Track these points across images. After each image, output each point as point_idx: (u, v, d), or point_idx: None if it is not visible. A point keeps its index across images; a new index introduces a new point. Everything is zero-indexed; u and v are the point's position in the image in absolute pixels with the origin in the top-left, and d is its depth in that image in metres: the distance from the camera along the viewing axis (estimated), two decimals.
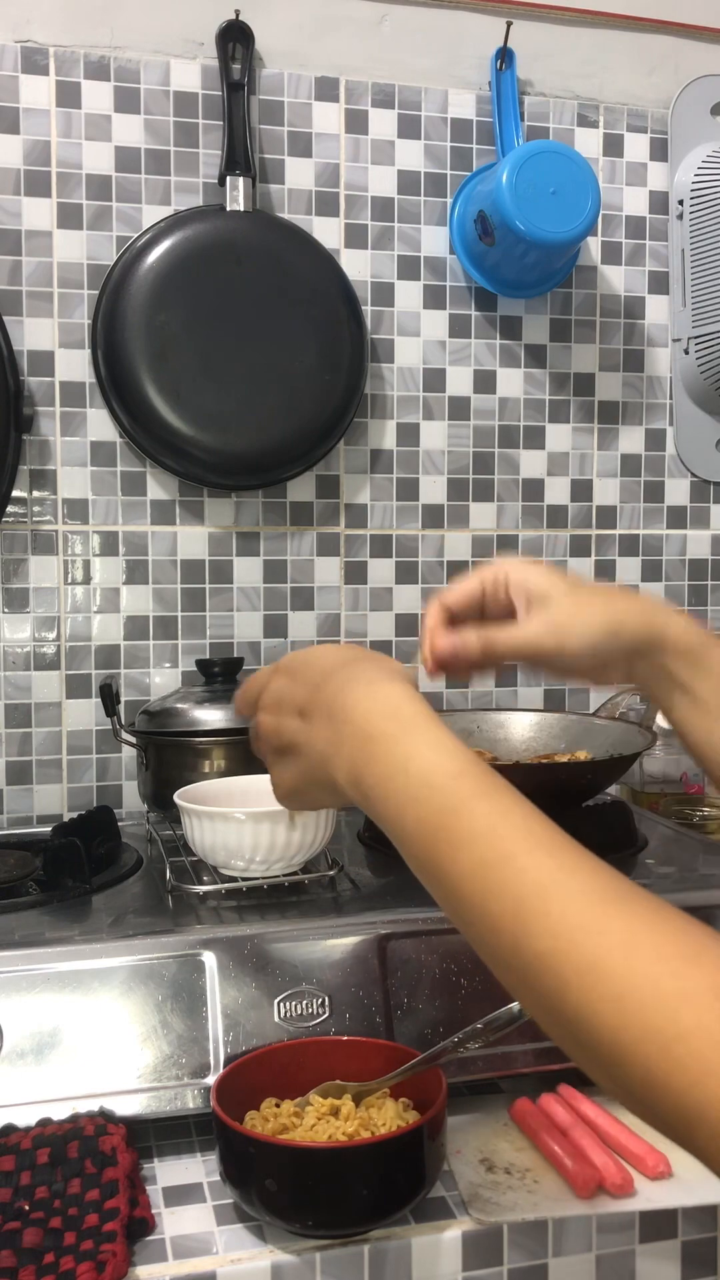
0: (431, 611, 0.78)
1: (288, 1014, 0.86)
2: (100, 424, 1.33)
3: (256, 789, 1.06)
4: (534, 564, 0.77)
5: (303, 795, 0.71)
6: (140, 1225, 0.73)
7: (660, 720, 1.36)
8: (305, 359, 1.33)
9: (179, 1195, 0.79)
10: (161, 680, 1.36)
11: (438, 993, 0.89)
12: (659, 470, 1.52)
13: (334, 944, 0.89)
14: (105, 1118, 0.80)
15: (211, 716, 1.17)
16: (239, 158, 1.32)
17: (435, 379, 1.43)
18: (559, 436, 1.48)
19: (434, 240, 1.42)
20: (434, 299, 1.42)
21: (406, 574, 1.44)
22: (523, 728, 1.30)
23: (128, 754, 1.33)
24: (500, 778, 0.58)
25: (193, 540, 1.37)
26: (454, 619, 0.78)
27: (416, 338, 1.42)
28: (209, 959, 0.87)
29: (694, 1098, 0.45)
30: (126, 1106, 0.82)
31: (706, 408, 1.52)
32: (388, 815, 0.60)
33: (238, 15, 1.32)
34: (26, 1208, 0.72)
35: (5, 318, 1.27)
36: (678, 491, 1.53)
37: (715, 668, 0.73)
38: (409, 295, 1.41)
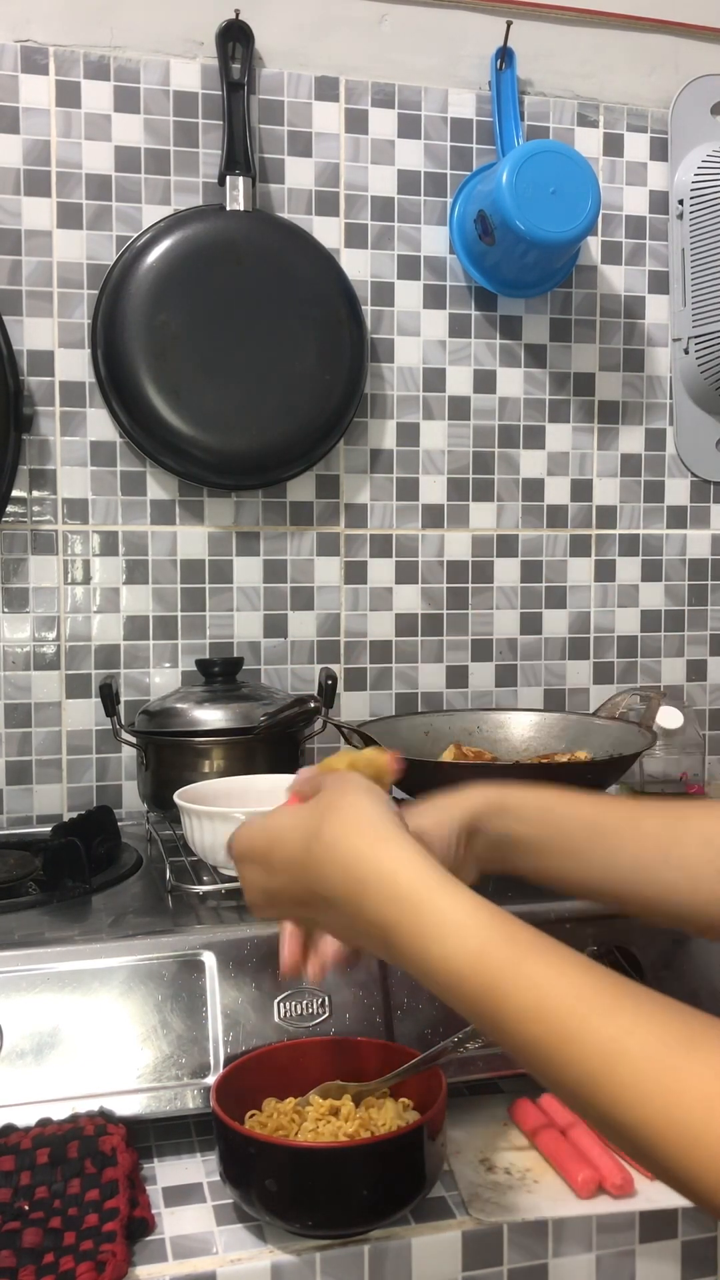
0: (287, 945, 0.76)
1: (288, 1014, 0.86)
2: (100, 424, 1.33)
3: (256, 789, 1.06)
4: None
5: None
6: (140, 1225, 0.73)
7: (660, 720, 1.37)
8: (305, 359, 1.33)
9: (179, 1195, 0.79)
10: (161, 680, 1.36)
11: None
12: (659, 470, 1.52)
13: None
14: (105, 1118, 0.80)
15: (211, 716, 1.17)
16: (239, 157, 1.32)
17: (435, 379, 1.43)
18: (559, 436, 1.48)
19: (434, 240, 1.42)
20: (434, 299, 1.42)
21: (406, 574, 1.44)
22: (523, 728, 1.30)
23: (128, 754, 1.33)
24: (525, 932, 0.57)
25: (193, 540, 1.37)
26: None
27: (416, 337, 1.42)
28: (209, 959, 0.87)
29: None
30: (126, 1106, 0.82)
31: (706, 408, 1.52)
32: (440, 996, 0.59)
33: (238, 15, 1.32)
34: (26, 1208, 0.72)
35: (5, 318, 1.27)
36: (678, 491, 1.53)
37: (520, 807, 0.76)
38: (409, 295, 1.41)
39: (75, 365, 1.32)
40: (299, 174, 1.37)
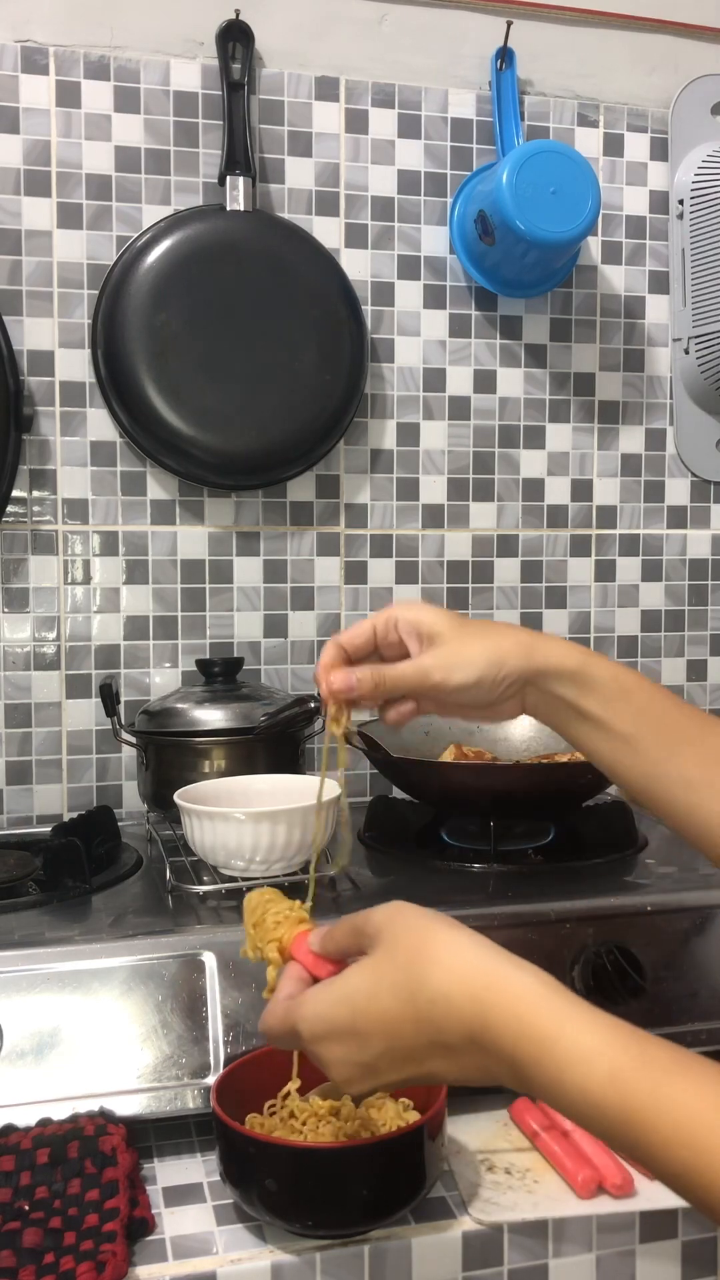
0: (327, 650, 0.76)
1: None
2: (100, 424, 1.33)
3: (256, 789, 1.06)
4: (424, 605, 0.78)
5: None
6: (140, 1225, 0.73)
7: None
8: (305, 359, 1.33)
9: (179, 1195, 0.79)
10: (161, 680, 1.36)
11: None
12: (659, 470, 1.52)
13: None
14: (105, 1118, 0.80)
15: (211, 716, 1.17)
16: (239, 157, 1.32)
17: (435, 379, 1.43)
18: (559, 436, 1.48)
19: (434, 240, 1.42)
20: (434, 299, 1.42)
21: (406, 574, 1.44)
22: (523, 728, 1.29)
23: (128, 754, 1.33)
24: (663, 1052, 0.54)
25: (193, 540, 1.37)
26: (350, 660, 0.77)
27: (416, 337, 1.42)
28: (209, 959, 0.87)
29: None
30: (126, 1106, 0.82)
31: (706, 408, 1.52)
32: (583, 1127, 0.56)
33: (238, 15, 1.32)
34: (26, 1208, 0.72)
35: (5, 318, 1.27)
36: (678, 491, 1.53)
37: (600, 684, 0.74)
38: (409, 295, 1.41)
39: (75, 365, 1.32)
40: (299, 174, 1.37)
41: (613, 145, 1.47)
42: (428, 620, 0.75)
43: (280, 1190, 0.72)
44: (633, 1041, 0.55)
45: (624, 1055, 0.54)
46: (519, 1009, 0.57)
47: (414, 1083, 0.62)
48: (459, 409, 1.44)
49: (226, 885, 0.98)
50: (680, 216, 1.48)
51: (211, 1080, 0.81)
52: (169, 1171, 0.82)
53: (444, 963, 0.60)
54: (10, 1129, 0.79)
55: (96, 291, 1.31)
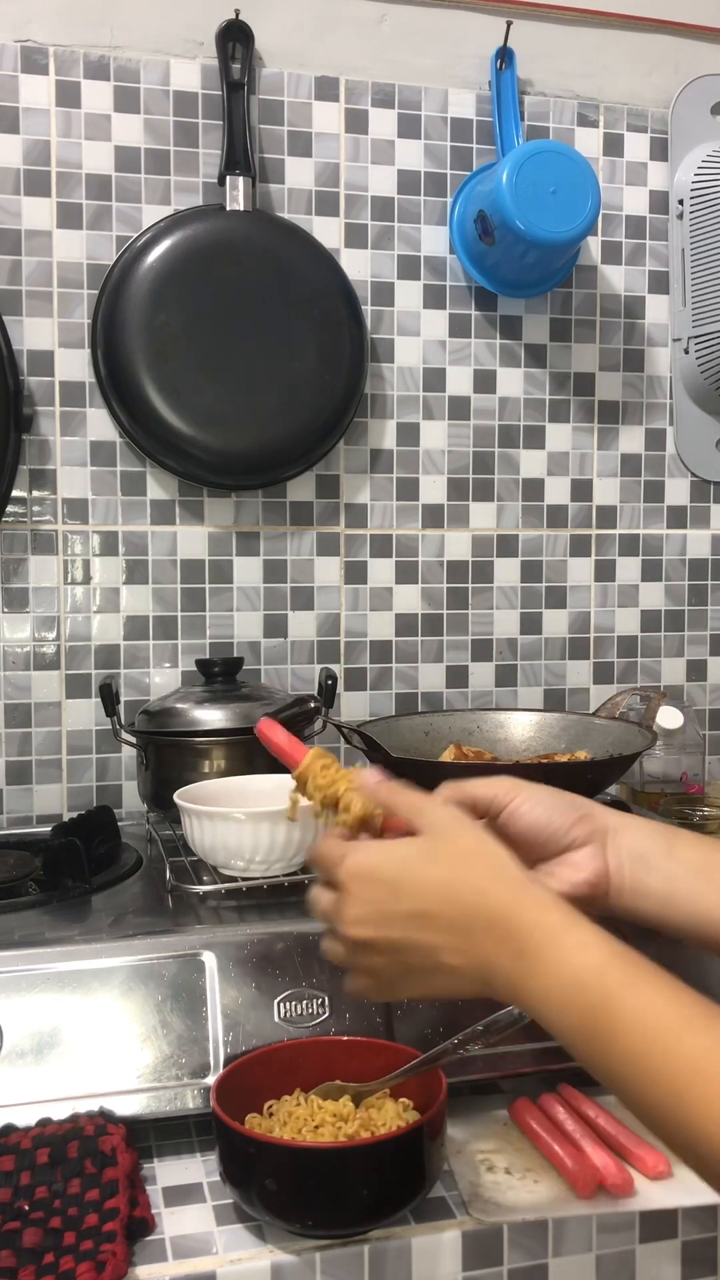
0: None
1: (288, 1014, 0.86)
2: (100, 424, 1.33)
3: (256, 789, 1.06)
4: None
5: (430, 995, 0.74)
6: (140, 1225, 0.73)
7: (660, 720, 1.37)
8: (305, 359, 1.33)
9: (179, 1195, 0.79)
10: (161, 680, 1.36)
11: None
12: (659, 470, 1.52)
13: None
14: (105, 1118, 0.80)
15: (211, 716, 1.17)
16: (239, 157, 1.32)
17: (435, 379, 1.43)
18: (559, 436, 1.48)
19: (434, 240, 1.42)
20: (434, 299, 1.42)
21: (406, 574, 1.44)
22: (523, 728, 1.30)
23: (128, 754, 1.33)
24: (645, 962, 0.62)
25: (193, 540, 1.37)
26: None
27: (416, 337, 1.42)
28: (209, 959, 0.87)
29: None
30: (126, 1106, 0.82)
31: (706, 408, 1.52)
32: (551, 1019, 0.63)
33: (238, 15, 1.32)
34: (26, 1208, 0.72)
35: (5, 318, 1.27)
36: (678, 491, 1.53)
37: (680, 833, 0.77)
38: (409, 295, 1.41)
39: (75, 365, 1.32)
40: (299, 174, 1.37)
41: (613, 145, 1.47)
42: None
43: (280, 1190, 0.72)
44: (627, 949, 0.63)
45: (614, 952, 0.63)
46: (545, 901, 0.66)
47: (409, 955, 0.68)
48: (459, 409, 1.44)
49: (226, 885, 0.98)
50: (680, 216, 1.48)
51: (211, 1080, 0.81)
52: (169, 1171, 0.82)
53: (493, 865, 0.69)
54: (10, 1129, 0.79)
55: (96, 291, 1.31)
